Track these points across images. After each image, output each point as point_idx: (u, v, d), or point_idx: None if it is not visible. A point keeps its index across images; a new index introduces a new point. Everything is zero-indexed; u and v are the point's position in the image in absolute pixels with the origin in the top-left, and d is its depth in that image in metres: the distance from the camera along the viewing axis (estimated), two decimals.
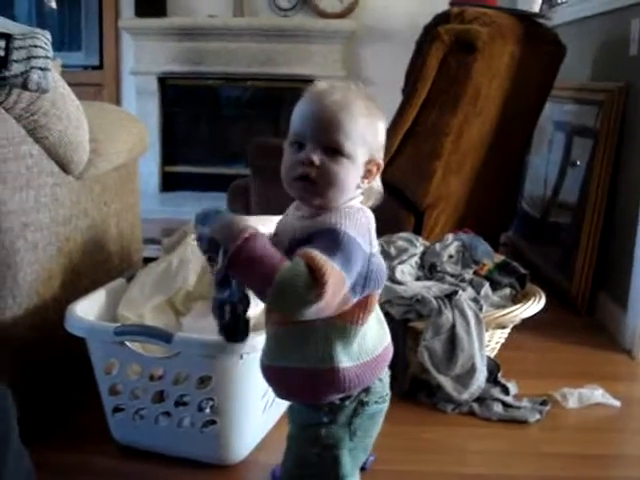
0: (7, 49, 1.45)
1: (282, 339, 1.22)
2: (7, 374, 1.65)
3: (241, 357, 1.52)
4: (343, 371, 1.16)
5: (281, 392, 1.28)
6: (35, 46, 1.49)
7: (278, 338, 1.23)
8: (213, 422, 1.63)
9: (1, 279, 1.61)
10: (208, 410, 1.63)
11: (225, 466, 1.66)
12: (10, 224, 1.61)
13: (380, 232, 2.40)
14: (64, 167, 1.77)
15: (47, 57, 1.51)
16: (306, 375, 1.18)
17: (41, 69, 1.48)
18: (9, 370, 1.66)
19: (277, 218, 2.11)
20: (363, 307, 1.17)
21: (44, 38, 1.53)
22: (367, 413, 1.22)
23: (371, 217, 1.19)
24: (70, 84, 1.74)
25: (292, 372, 1.20)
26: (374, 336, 1.22)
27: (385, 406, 1.26)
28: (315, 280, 1.03)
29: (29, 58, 1.47)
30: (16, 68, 1.46)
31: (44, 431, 1.78)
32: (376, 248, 1.18)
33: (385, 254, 2.28)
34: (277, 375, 1.25)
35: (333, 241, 1.09)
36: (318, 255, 1.06)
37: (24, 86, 1.49)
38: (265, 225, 1.99)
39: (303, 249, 1.08)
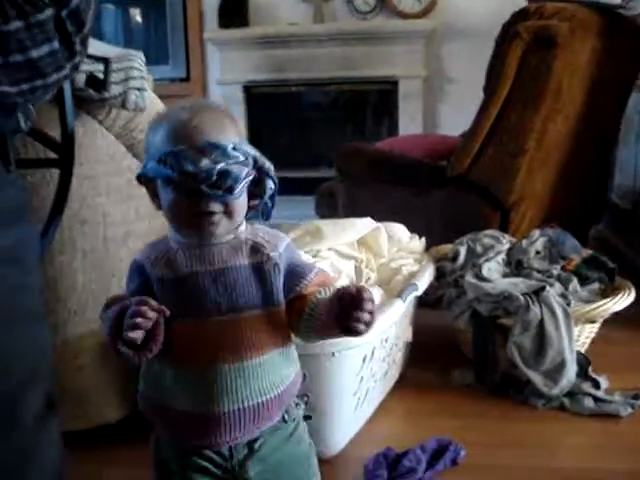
0: (106, 72, 1.56)
1: (260, 368, 1.08)
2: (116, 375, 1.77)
3: (333, 355, 1.58)
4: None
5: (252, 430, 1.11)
6: (131, 67, 1.60)
7: (253, 369, 1.07)
8: (308, 417, 1.70)
9: (107, 286, 1.72)
10: (303, 406, 1.70)
11: (319, 460, 1.72)
12: (114, 234, 1.72)
13: (466, 230, 2.42)
14: None
15: (143, 77, 1.61)
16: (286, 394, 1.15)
17: (138, 89, 1.58)
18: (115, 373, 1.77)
19: (362, 220, 2.16)
20: None
21: (139, 59, 1.64)
22: None
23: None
24: (159, 97, 1.83)
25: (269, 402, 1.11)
26: None
27: None
28: None
29: (126, 79, 1.57)
30: (115, 89, 1.56)
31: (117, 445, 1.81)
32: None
33: (471, 252, 2.30)
34: (250, 415, 1.08)
35: None
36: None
37: (122, 106, 1.59)
38: (346, 229, 2.05)
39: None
